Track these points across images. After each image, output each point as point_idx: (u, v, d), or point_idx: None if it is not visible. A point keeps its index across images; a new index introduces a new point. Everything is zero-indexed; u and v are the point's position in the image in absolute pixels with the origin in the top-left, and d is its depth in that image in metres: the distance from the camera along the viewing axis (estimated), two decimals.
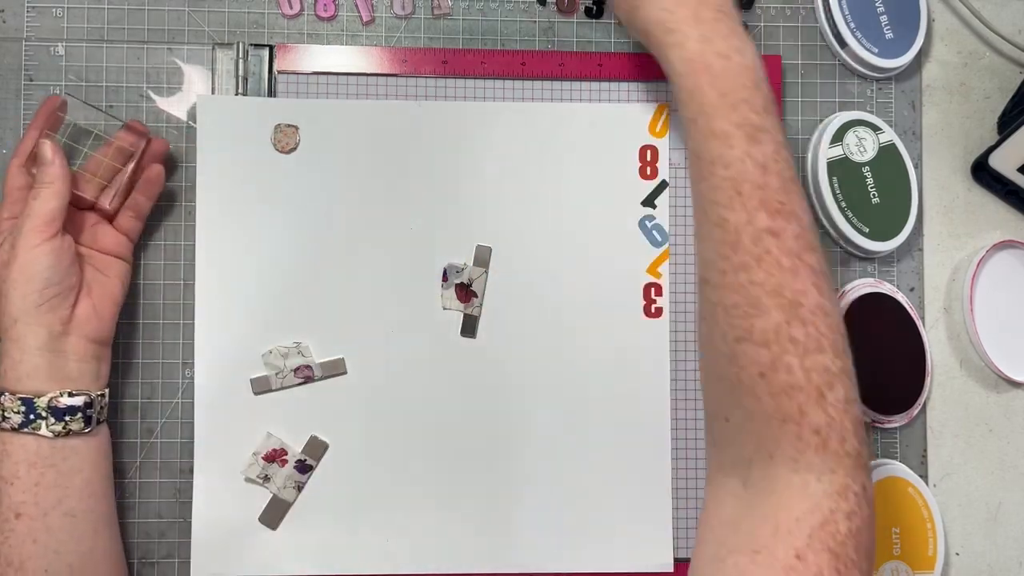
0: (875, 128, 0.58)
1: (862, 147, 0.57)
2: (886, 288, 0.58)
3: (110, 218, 0.53)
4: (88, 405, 0.49)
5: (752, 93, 0.43)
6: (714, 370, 0.42)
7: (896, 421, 0.58)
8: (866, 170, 0.58)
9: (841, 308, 0.39)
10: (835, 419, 0.38)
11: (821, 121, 0.59)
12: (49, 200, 0.48)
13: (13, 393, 0.47)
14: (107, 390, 0.51)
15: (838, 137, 0.57)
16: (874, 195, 0.58)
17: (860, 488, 0.38)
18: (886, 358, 0.58)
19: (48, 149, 0.48)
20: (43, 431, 0.47)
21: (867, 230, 0.57)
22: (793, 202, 0.41)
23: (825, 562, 0.35)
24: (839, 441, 0.38)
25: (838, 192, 0.57)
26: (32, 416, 0.47)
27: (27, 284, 0.47)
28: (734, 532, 0.38)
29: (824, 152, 0.57)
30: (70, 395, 0.48)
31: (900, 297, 0.58)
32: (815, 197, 0.58)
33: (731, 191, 0.41)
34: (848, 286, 0.58)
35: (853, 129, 0.58)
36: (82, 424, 0.48)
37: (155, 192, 0.54)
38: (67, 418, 0.47)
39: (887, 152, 0.58)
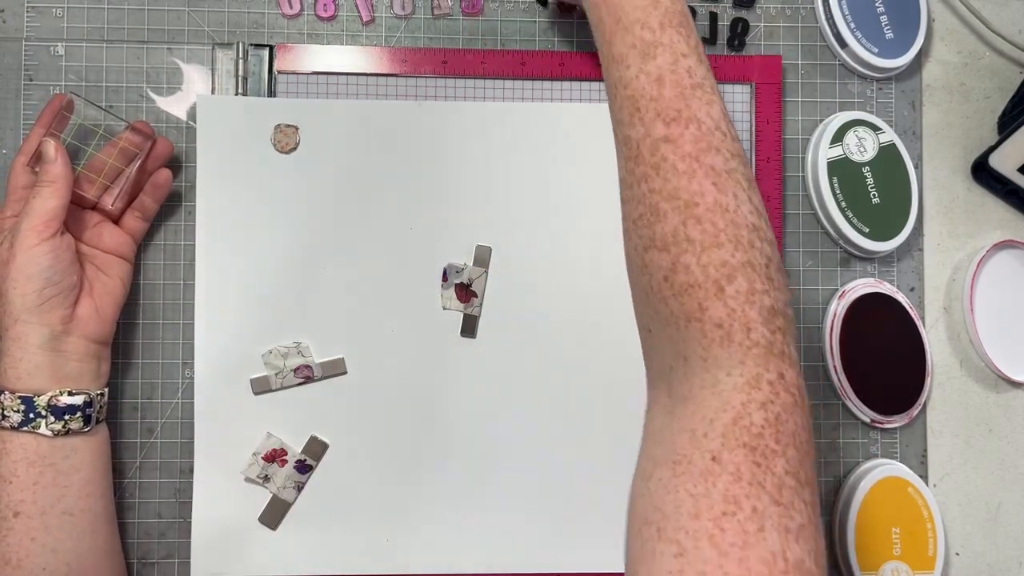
0: (875, 128, 0.58)
1: (862, 147, 0.57)
2: (886, 288, 0.58)
3: (114, 218, 0.53)
4: (88, 404, 0.49)
5: (646, 12, 0.43)
6: (634, 283, 0.42)
7: (896, 421, 0.58)
8: (866, 170, 0.58)
9: (757, 208, 0.39)
10: (735, 311, 0.37)
11: (821, 121, 0.59)
12: (49, 199, 0.48)
13: (13, 392, 0.47)
14: (107, 389, 0.51)
15: (838, 137, 0.57)
16: (874, 195, 0.58)
17: (775, 376, 0.37)
18: (886, 358, 0.58)
19: (51, 148, 0.48)
20: (42, 430, 0.47)
21: (867, 230, 0.57)
22: (692, 107, 0.41)
23: (742, 458, 0.34)
24: (743, 332, 0.37)
25: (838, 192, 0.57)
26: (32, 415, 0.47)
27: (26, 283, 0.47)
28: (658, 444, 0.38)
29: (824, 152, 0.57)
30: (70, 394, 0.48)
31: (900, 297, 0.58)
32: (815, 197, 0.58)
33: (631, 108, 0.42)
34: (848, 286, 0.58)
35: (853, 129, 0.58)
36: (81, 423, 0.48)
37: (162, 195, 0.54)
38: (67, 417, 0.47)
39: (887, 152, 0.58)
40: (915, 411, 0.58)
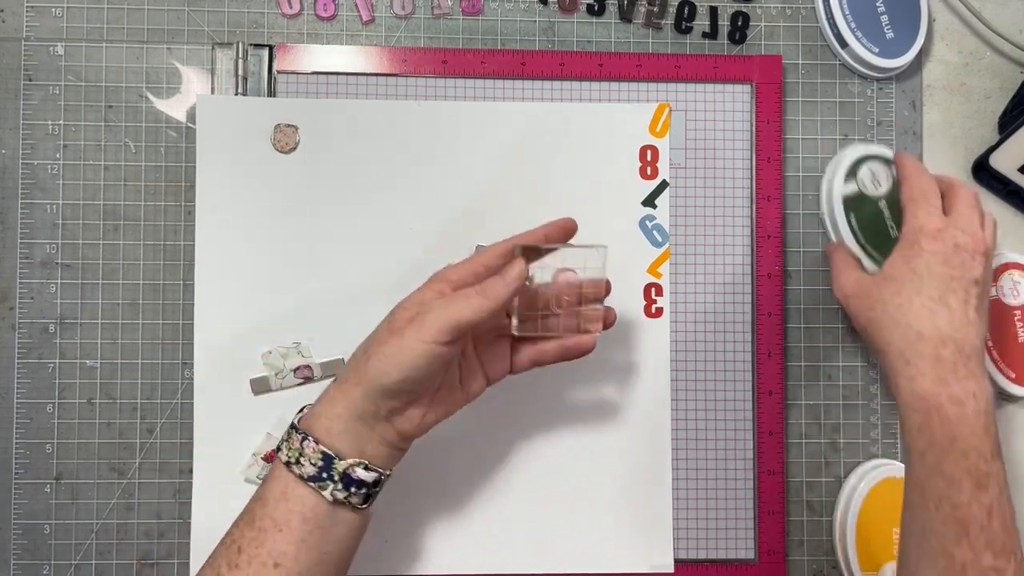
0: (887, 161, 0.56)
1: (876, 181, 0.56)
2: None
3: (509, 343, 0.50)
4: (375, 484, 0.46)
5: (982, 440, 0.45)
6: None
7: None
8: (882, 204, 0.56)
9: None
10: None
11: (834, 150, 0.59)
12: (471, 312, 0.44)
13: (318, 443, 0.44)
14: (389, 473, 0.47)
15: (851, 173, 0.56)
16: (892, 228, 0.56)
17: None
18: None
19: (517, 270, 0.45)
20: (326, 493, 0.44)
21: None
22: (1013, 540, 0.44)
23: None
24: None
25: (855, 228, 0.55)
26: (325, 475, 0.44)
27: (390, 367, 0.44)
28: None
29: (839, 189, 0.56)
30: (366, 468, 0.45)
31: None
32: (832, 234, 0.57)
33: (957, 529, 0.44)
34: None
35: (866, 164, 0.56)
36: (361, 500, 0.45)
37: (573, 356, 0.50)
38: (352, 489, 0.44)
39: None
40: None
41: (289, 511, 0.44)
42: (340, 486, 0.44)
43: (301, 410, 0.47)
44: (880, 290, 0.49)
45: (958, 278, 0.48)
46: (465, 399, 0.48)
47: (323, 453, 0.44)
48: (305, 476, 0.44)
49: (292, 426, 0.45)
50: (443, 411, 0.48)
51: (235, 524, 0.45)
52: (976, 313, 0.48)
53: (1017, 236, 0.61)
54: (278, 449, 0.45)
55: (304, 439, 0.44)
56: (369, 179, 0.56)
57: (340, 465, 0.44)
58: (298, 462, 0.44)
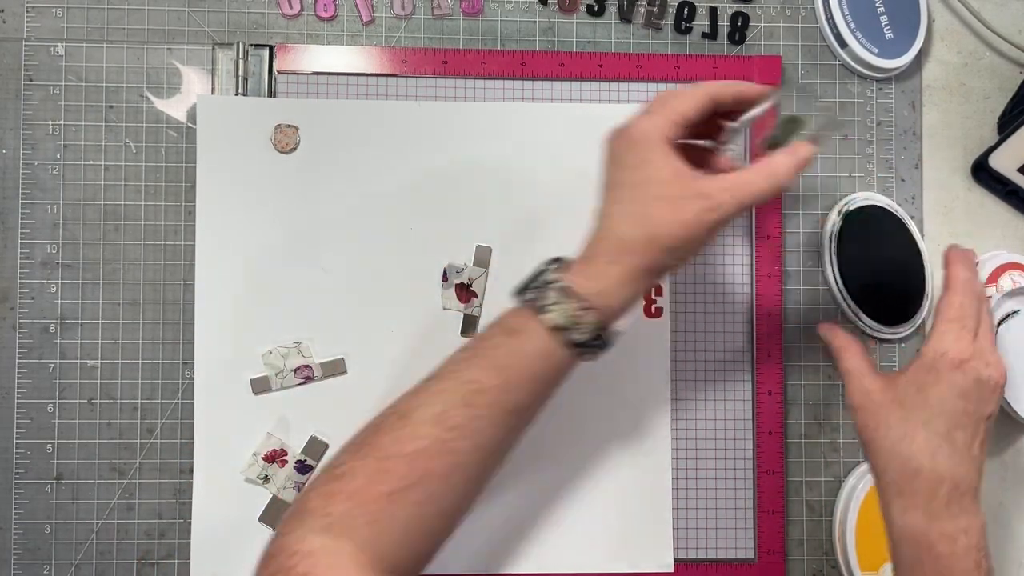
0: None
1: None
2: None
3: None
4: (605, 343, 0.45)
5: None
6: None
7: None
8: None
9: None
10: None
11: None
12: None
13: (600, 321, 0.43)
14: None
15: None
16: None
17: None
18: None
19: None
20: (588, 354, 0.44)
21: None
22: None
23: None
24: None
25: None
26: (597, 342, 0.44)
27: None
28: None
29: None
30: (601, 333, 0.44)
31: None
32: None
33: None
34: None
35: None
36: (595, 353, 0.45)
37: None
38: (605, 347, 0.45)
39: None
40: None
41: (547, 368, 0.43)
42: (601, 346, 0.44)
43: (557, 261, 0.45)
44: (887, 413, 0.47)
45: (971, 413, 0.46)
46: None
47: (598, 323, 0.43)
48: (576, 341, 0.43)
49: (562, 289, 0.43)
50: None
51: (468, 362, 0.44)
52: (980, 448, 0.46)
53: (1017, 236, 0.61)
54: (541, 310, 0.43)
55: (586, 309, 0.43)
56: (369, 179, 0.56)
57: (610, 332, 0.44)
58: (575, 328, 0.43)
